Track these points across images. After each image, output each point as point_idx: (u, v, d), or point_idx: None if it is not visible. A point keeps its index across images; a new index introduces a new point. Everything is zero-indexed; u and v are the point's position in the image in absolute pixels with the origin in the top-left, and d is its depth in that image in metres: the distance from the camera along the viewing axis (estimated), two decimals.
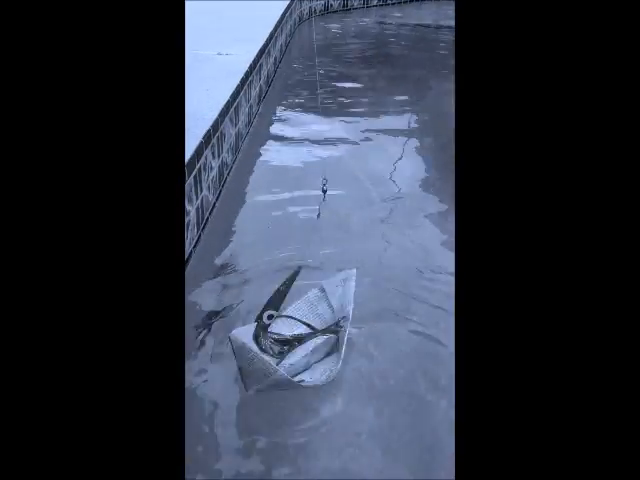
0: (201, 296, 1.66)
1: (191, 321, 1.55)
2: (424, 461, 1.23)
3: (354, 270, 1.54)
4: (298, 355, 1.37)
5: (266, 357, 1.31)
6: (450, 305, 1.65)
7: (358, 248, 1.93)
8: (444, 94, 3.49)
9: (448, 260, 1.74)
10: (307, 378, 1.35)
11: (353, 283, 1.50)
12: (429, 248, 1.99)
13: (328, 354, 1.43)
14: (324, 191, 1.19)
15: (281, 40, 4.06)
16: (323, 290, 1.57)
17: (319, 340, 1.41)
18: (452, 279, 1.64)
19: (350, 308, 1.44)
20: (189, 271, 1.73)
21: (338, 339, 1.43)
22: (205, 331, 1.54)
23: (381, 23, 5.90)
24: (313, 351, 1.39)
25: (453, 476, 0.75)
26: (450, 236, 2.00)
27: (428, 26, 5.82)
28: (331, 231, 1.98)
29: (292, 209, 2.16)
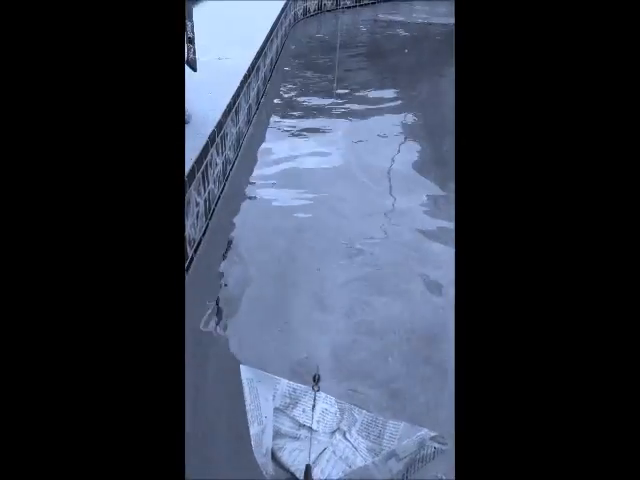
0: (211, 268, 1.92)
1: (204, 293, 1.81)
2: None
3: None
4: None
5: None
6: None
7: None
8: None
9: None
10: None
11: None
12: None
13: None
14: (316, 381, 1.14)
15: (277, 42, 4.28)
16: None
17: None
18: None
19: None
20: (200, 253, 1.98)
21: None
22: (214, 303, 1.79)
23: (375, 21, 6.10)
24: None
25: None
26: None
27: (419, 23, 6.01)
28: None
29: (289, 201, 2.42)
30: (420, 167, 2.81)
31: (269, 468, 1.17)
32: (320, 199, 2.44)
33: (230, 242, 2.06)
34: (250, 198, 2.46)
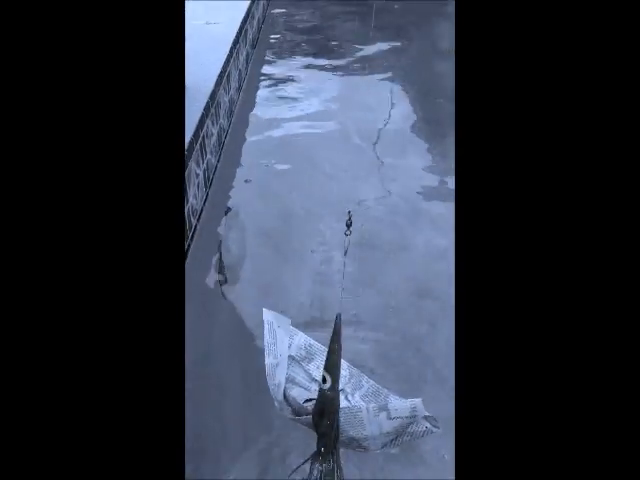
0: (213, 234, 2.05)
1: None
2: None
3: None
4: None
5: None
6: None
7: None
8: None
9: None
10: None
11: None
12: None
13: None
14: (348, 225, 1.14)
15: (263, 1, 4.25)
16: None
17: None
18: None
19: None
20: (202, 221, 2.10)
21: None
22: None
23: None
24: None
25: None
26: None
27: None
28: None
29: (280, 166, 2.53)
30: (413, 126, 2.90)
31: (280, 397, 1.28)
32: (314, 163, 2.55)
33: (228, 209, 2.18)
34: (244, 165, 2.57)
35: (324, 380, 1.17)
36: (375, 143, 2.71)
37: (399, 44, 3.97)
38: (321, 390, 1.18)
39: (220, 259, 1.96)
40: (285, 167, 2.52)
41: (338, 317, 1.16)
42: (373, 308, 1.78)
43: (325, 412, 1.18)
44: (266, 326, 1.36)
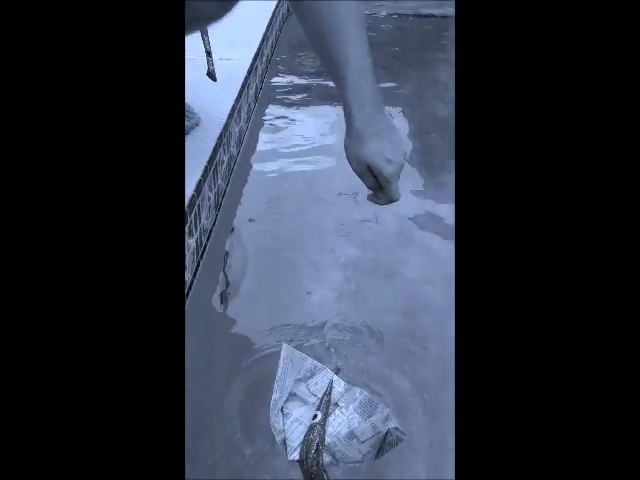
0: (222, 252, 2.23)
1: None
2: None
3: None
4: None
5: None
6: None
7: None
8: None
9: None
10: None
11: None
12: None
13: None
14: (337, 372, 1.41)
15: (272, 38, 4.52)
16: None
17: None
18: None
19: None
20: (212, 240, 2.28)
21: None
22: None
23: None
24: None
25: None
26: None
27: (408, 15, 6.22)
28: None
29: (286, 185, 2.72)
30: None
31: (279, 425, 1.39)
32: (315, 191, 2.74)
33: (233, 229, 2.34)
34: (252, 185, 2.77)
35: (314, 417, 1.34)
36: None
37: (395, 84, 4.20)
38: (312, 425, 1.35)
39: (224, 272, 2.12)
40: (282, 190, 2.71)
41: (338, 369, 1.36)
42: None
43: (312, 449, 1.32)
44: (281, 362, 1.43)
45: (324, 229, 2.46)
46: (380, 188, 1.25)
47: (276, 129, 3.41)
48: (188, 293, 1.99)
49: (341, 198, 2.67)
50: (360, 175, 1.27)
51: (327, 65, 1.27)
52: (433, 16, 5.96)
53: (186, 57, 3.12)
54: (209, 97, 2.70)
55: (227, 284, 2.09)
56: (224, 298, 2.03)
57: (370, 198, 1.33)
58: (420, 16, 6.09)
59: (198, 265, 2.12)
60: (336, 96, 1.27)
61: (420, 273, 2.20)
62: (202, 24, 1.67)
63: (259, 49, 3.72)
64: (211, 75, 2.29)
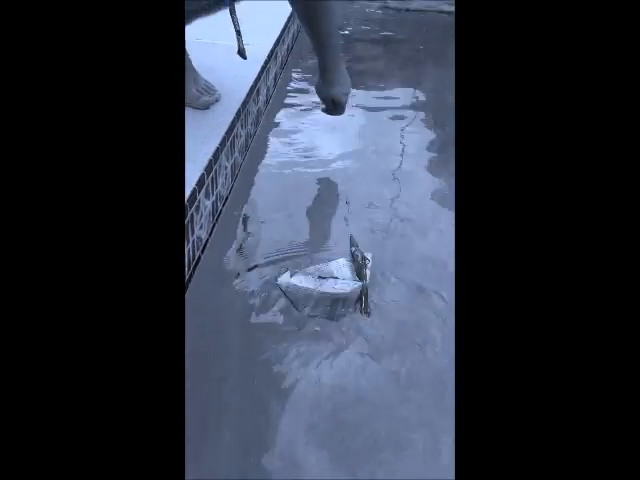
0: (234, 218, 2.40)
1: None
2: None
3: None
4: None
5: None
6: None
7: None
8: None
9: None
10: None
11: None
12: None
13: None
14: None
15: (293, 28, 4.70)
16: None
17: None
18: None
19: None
20: (227, 207, 2.46)
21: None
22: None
23: (386, 7, 6.45)
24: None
25: None
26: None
27: (425, 11, 6.35)
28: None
29: (301, 169, 2.89)
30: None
31: None
32: (333, 170, 2.91)
33: (246, 217, 2.49)
34: (266, 164, 2.94)
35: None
36: (391, 160, 3.06)
37: (417, 80, 4.33)
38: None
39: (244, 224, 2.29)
40: (301, 172, 2.88)
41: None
42: None
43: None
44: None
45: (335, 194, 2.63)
46: (336, 109, 2.43)
47: (294, 114, 3.59)
48: (203, 250, 2.17)
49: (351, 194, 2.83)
50: (325, 103, 2.44)
51: (317, 37, 2.12)
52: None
53: (210, 40, 3.32)
54: (230, 76, 2.89)
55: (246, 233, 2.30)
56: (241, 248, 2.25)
57: (326, 112, 2.53)
58: (442, 12, 6.22)
59: (214, 226, 2.30)
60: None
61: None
62: None
63: (280, 37, 3.90)
64: (241, 53, 2.47)
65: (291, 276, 1.81)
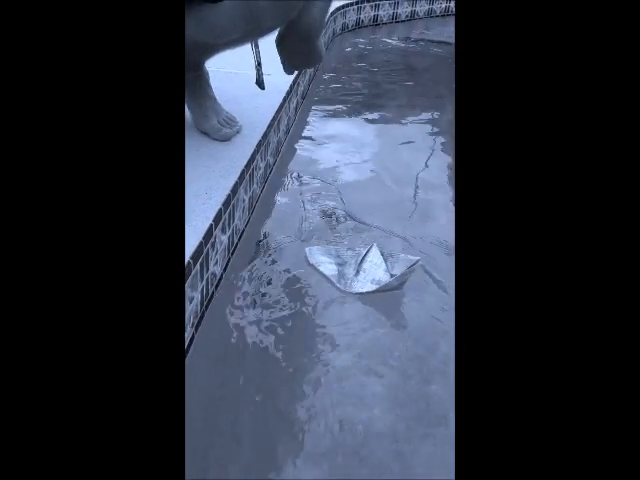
0: (251, 248, 2.36)
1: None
2: None
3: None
4: None
5: None
6: None
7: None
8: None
9: None
10: None
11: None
12: None
13: None
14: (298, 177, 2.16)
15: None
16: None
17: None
18: None
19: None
20: (243, 239, 2.42)
21: None
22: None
23: (407, 38, 6.49)
24: None
25: None
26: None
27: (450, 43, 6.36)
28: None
29: (314, 197, 2.86)
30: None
31: None
32: (349, 201, 2.86)
33: (259, 242, 2.46)
34: (285, 194, 2.91)
35: None
36: (408, 186, 3.02)
37: (434, 107, 4.31)
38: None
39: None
40: (316, 197, 2.84)
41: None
42: None
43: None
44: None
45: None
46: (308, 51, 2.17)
47: (312, 142, 3.57)
48: (217, 285, 2.12)
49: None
50: (290, 52, 2.22)
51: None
52: None
53: (231, 70, 3.33)
54: (251, 108, 2.88)
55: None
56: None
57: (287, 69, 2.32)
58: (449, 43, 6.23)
59: (229, 261, 2.26)
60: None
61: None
62: (259, 35, 2.02)
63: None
64: (260, 83, 2.47)
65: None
